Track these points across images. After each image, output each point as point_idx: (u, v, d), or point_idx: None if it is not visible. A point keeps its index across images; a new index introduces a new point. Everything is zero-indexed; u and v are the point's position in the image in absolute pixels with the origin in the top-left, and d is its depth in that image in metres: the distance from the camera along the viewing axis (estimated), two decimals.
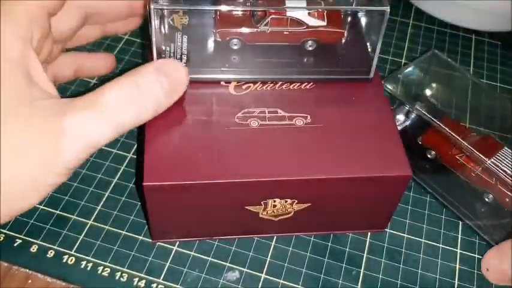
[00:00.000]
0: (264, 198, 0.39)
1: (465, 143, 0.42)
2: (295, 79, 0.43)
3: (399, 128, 0.47)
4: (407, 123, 0.48)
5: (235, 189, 0.38)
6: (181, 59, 0.41)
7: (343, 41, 0.44)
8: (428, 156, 0.46)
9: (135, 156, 0.47)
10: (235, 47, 0.43)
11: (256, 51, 0.44)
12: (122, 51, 0.55)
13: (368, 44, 0.44)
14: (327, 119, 0.41)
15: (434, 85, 0.50)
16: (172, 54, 0.41)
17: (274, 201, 0.39)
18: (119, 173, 0.46)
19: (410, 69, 0.49)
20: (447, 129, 0.43)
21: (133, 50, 0.55)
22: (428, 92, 0.49)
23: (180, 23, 0.42)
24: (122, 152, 0.47)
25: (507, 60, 0.58)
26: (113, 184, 0.45)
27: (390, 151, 0.39)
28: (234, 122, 0.40)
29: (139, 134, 0.48)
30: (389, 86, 0.46)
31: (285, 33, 0.43)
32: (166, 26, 0.42)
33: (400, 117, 0.48)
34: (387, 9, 0.39)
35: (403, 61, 0.57)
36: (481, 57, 0.58)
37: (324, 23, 0.43)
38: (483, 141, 0.44)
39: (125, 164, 0.46)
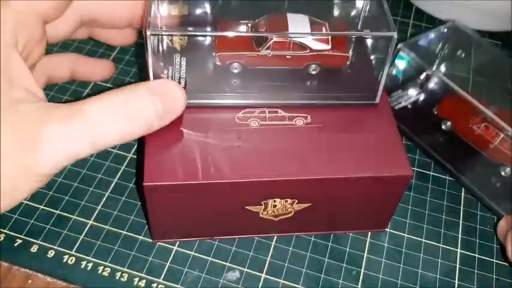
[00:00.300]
0: (264, 198, 0.39)
1: (487, 110, 0.41)
2: (298, 104, 0.42)
3: (410, 102, 0.46)
4: (421, 96, 0.46)
5: (236, 189, 0.38)
6: (179, 82, 0.39)
7: (348, 64, 0.43)
8: (443, 127, 0.45)
9: (135, 156, 0.47)
10: (235, 71, 0.42)
11: (258, 75, 0.42)
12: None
13: (374, 67, 0.42)
14: (327, 119, 0.41)
15: (452, 55, 0.48)
16: (170, 77, 0.39)
17: (275, 201, 0.39)
18: (119, 173, 0.46)
19: (429, 36, 0.47)
20: (468, 96, 0.41)
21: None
22: (445, 63, 0.47)
23: (178, 44, 0.41)
24: (122, 152, 0.47)
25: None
26: (113, 184, 0.45)
27: (390, 150, 0.39)
28: (234, 122, 0.40)
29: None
30: (406, 51, 0.44)
31: (287, 57, 0.41)
32: (165, 47, 0.41)
33: (412, 91, 0.46)
34: (394, 34, 0.38)
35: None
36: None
37: (328, 47, 0.41)
38: (502, 113, 0.42)
39: (125, 164, 0.47)
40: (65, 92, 0.51)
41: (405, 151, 0.39)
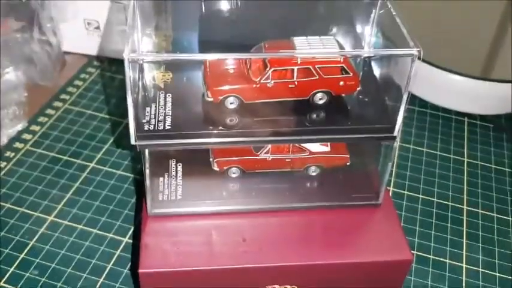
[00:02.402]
0: (263, 284, 0.38)
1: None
2: (298, 207, 0.41)
3: None
4: None
5: (234, 275, 0.37)
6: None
7: (348, 164, 0.42)
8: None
9: (131, 241, 0.46)
10: (233, 176, 0.42)
11: (256, 178, 0.42)
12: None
13: (375, 168, 0.42)
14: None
15: None
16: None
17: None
18: (114, 258, 0.45)
19: None
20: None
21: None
22: None
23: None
24: (117, 237, 0.46)
25: (499, 142, 0.59)
26: (107, 270, 0.44)
27: (390, 236, 0.39)
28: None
29: (136, 217, 0.47)
30: None
31: (286, 160, 0.41)
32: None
33: None
34: (395, 136, 0.37)
35: (398, 144, 0.57)
36: (474, 140, 0.59)
37: (327, 149, 0.41)
38: None
39: (120, 248, 0.46)
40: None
41: (404, 235, 0.39)
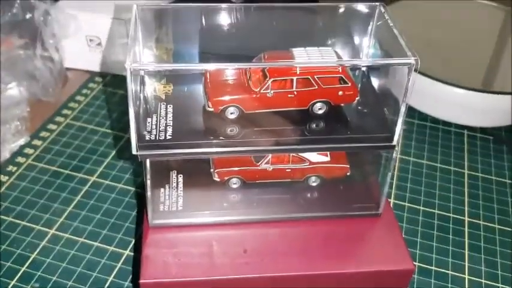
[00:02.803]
0: None
1: None
2: (299, 217, 0.41)
3: None
4: None
5: (234, 286, 0.37)
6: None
7: (349, 175, 0.43)
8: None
9: (132, 253, 0.46)
10: (234, 186, 0.42)
11: (257, 189, 0.42)
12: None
13: (375, 178, 0.42)
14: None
15: None
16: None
17: None
18: (115, 271, 0.45)
19: None
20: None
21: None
22: None
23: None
24: (118, 249, 0.46)
25: (499, 153, 0.59)
26: (108, 282, 0.44)
27: (391, 245, 0.39)
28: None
29: (137, 229, 0.47)
30: None
31: (287, 170, 0.41)
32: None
33: None
34: (395, 145, 0.38)
35: (398, 156, 0.57)
36: (474, 152, 0.59)
37: (327, 159, 0.41)
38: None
39: (121, 261, 0.45)
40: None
41: (406, 245, 0.39)
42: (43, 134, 0.57)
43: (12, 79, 0.58)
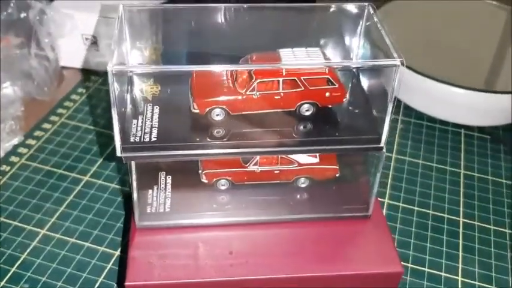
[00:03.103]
0: None
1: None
2: (287, 219, 0.41)
3: None
4: None
5: (219, 287, 0.37)
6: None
7: (338, 176, 0.42)
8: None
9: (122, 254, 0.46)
10: (222, 188, 0.42)
11: (245, 190, 0.42)
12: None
13: (365, 179, 0.42)
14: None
15: None
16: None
17: None
18: (105, 272, 0.45)
19: None
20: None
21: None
22: None
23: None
24: (109, 250, 0.46)
25: (497, 153, 0.58)
26: (98, 283, 0.44)
27: (380, 247, 0.39)
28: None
29: (125, 231, 0.47)
30: None
31: (275, 172, 0.41)
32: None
33: None
34: (382, 146, 0.37)
35: (394, 155, 0.57)
36: (471, 151, 0.58)
37: (316, 160, 0.41)
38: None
39: (111, 261, 0.45)
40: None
41: (395, 247, 0.39)
42: (37, 133, 0.57)
43: (7, 78, 0.58)
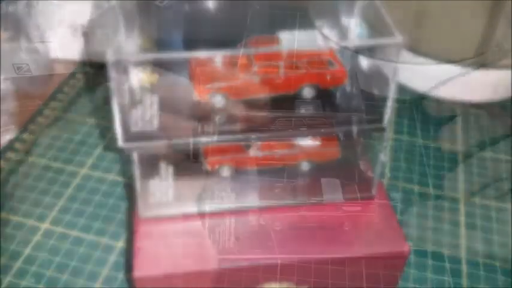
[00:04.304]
0: (259, 283, 0.38)
1: None
2: (291, 204, 0.40)
3: None
4: None
5: (228, 275, 0.37)
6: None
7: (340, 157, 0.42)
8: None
9: (125, 245, 0.46)
10: (225, 174, 0.41)
11: (248, 176, 0.41)
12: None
13: (367, 160, 0.41)
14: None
15: None
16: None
17: (270, 285, 0.38)
18: (109, 263, 0.44)
19: None
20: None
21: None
22: None
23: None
24: (111, 241, 0.46)
25: (493, 129, 0.59)
26: (102, 275, 0.44)
27: (385, 228, 0.39)
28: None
29: (129, 221, 0.47)
30: None
31: (277, 156, 0.41)
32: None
33: None
34: (385, 126, 0.37)
35: (389, 135, 0.57)
36: (468, 128, 0.59)
37: (318, 143, 0.41)
38: None
39: (115, 253, 0.45)
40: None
41: (400, 227, 0.39)
42: (32, 127, 0.56)
43: None
